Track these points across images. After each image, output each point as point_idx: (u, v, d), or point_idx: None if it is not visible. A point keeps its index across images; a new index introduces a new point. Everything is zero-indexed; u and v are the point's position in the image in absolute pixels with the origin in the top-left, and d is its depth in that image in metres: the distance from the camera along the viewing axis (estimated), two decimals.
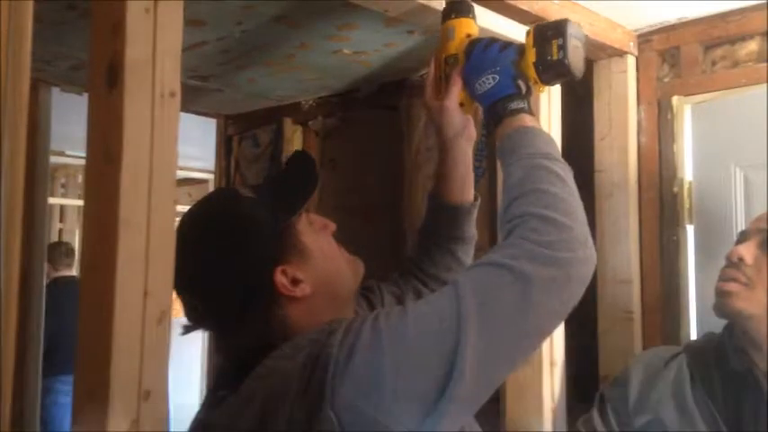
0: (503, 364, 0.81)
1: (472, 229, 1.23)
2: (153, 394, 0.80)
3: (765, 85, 1.61)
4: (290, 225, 0.96)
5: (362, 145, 2.38)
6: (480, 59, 1.06)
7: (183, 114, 0.87)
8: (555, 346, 1.50)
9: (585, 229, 0.86)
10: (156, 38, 0.84)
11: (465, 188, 1.20)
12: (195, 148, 2.92)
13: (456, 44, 1.12)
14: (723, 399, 1.24)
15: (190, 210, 0.99)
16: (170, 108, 0.84)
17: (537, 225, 0.84)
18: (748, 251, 1.24)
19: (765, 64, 1.61)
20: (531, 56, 1.02)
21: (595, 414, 1.37)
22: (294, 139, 2.53)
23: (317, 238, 0.98)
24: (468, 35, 1.12)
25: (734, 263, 1.25)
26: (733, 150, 1.65)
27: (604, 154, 1.80)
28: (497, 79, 1.03)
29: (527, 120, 0.99)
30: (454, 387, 0.75)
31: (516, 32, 1.46)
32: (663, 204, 1.75)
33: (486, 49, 1.06)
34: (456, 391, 0.75)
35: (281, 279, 0.92)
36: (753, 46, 1.64)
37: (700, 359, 1.31)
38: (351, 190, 2.39)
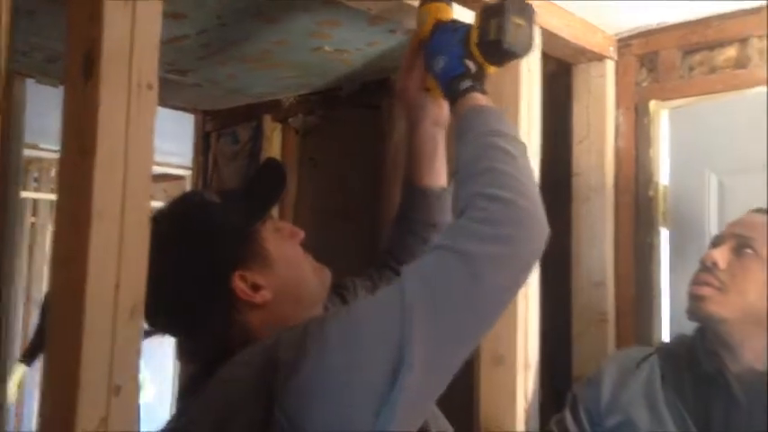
0: (455, 348, 0.81)
1: (445, 216, 1.21)
2: (123, 390, 0.79)
3: (741, 91, 1.63)
4: (254, 231, 0.95)
5: (343, 144, 2.37)
6: (436, 42, 1.08)
7: (159, 109, 0.86)
8: (529, 348, 1.50)
9: (534, 204, 0.86)
10: (134, 29, 0.83)
11: (434, 172, 1.20)
12: (172, 144, 2.89)
13: (426, 28, 1.13)
14: (693, 400, 1.25)
15: (154, 213, 0.98)
16: (147, 100, 0.84)
17: (484, 204, 0.83)
18: (722, 256, 1.25)
19: (742, 70, 1.63)
20: (475, 36, 1.03)
21: (568, 414, 1.38)
22: (274, 137, 2.52)
23: (282, 244, 0.97)
24: (437, 19, 1.13)
25: (707, 267, 1.26)
26: (708, 156, 1.67)
27: (582, 157, 1.82)
28: (446, 60, 1.04)
29: (479, 99, 1.00)
30: (404, 378, 0.75)
31: None
32: (638, 208, 1.76)
33: (444, 31, 1.08)
34: (407, 382, 0.75)
35: (239, 284, 0.91)
36: (730, 52, 1.66)
37: (671, 361, 1.32)
38: (331, 189, 2.38)
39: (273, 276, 0.94)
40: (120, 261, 0.80)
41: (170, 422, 0.92)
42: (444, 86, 1.05)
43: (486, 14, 1.02)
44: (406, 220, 1.22)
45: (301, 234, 1.01)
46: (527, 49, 1.04)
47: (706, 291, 1.25)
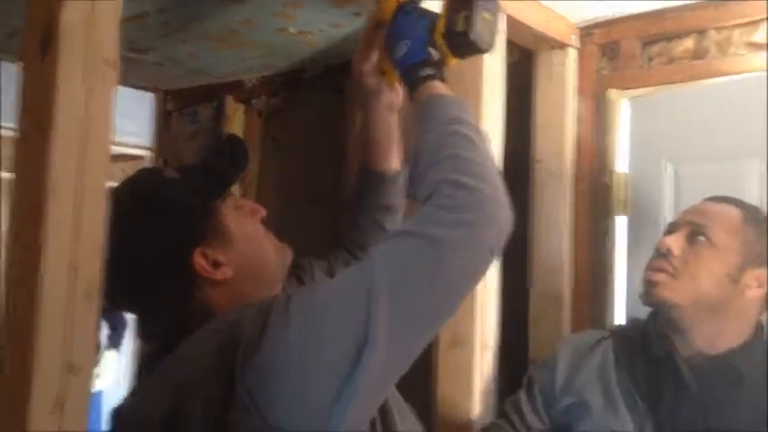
0: (419, 332, 0.82)
1: (398, 199, 1.23)
2: (79, 370, 0.79)
3: (698, 82, 1.66)
4: (213, 208, 0.95)
5: (307, 126, 2.36)
6: (399, 25, 1.07)
7: (119, 87, 0.85)
8: (487, 330, 1.52)
9: (497, 190, 0.87)
10: (94, 5, 0.82)
11: (387, 155, 1.21)
12: (131, 123, 2.84)
13: (384, 8, 1.12)
14: (645, 383, 1.28)
15: (112, 189, 0.97)
16: (106, 77, 0.83)
17: (448, 191, 0.85)
18: (676, 243, 1.28)
19: (699, 61, 1.67)
20: (441, 26, 1.03)
21: (522, 395, 1.40)
22: (236, 118, 2.49)
23: (243, 222, 0.98)
24: (399, 1, 1.11)
25: (662, 254, 1.29)
26: (665, 145, 1.71)
27: (543, 144, 1.84)
28: (409, 45, 1.04)
29: (439, 87, 1.00)
30: (367, 358, 0.76)
31: None
32: (596, 195, 1.79)
33: (406, 15, 1.07)
34: (370, 362, 0.76)
35: (199, 261, 0.91)
36: (688, 43, 1.69)
37: (624, 344, 1.35)
38: (294, 171, 2.37)
39: (234, 253, 0.94)
40: (77, 241, 0.79)
41: (126, 399, 0.92)
42: (404, 72, 1.05)
43: (456, 5, 1.02)
44: (360, 203, 1.23)
45: (262, 212, 1.01)
46: (491, 45, 1.04)
47: (659, 277, 1.28)
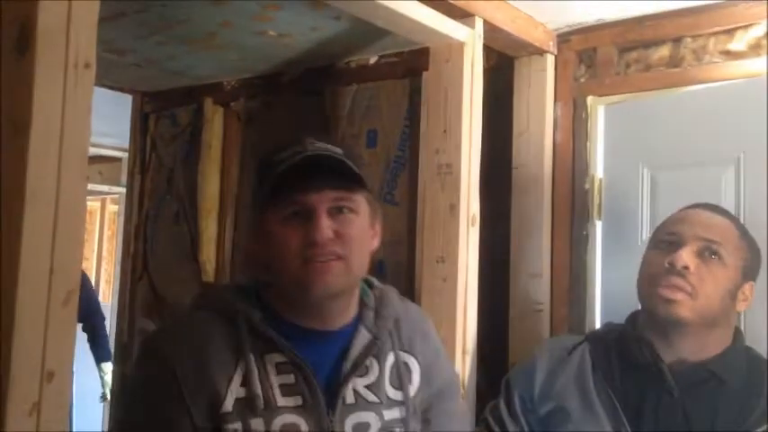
0: None
1: None
2: (56, 377, 0.78)
3: (675, 89, 1.68)
4: (264, 204, 1.02)
5: (286, 130, 2.35)
6: None
7: (95, 88, 0.84)
8: (468, 336, 1.53)
9: None
10: (71, 5, 0.81)
11: None
12: (107, 125, 2.81)
13: None
14: (623, 388, 1.28)
15: None
16: (84, 79, 0.82)
17: None
18: (691, 259, 1.25)
19: (676, 69, 1.69)
20: None
21: (501, 402, 1.40)
22: (215, 121, 2.47)
23: (278, 227, 1.00)
24: None
25: (678, 271, 1.25)
26: (641, 151, 1.72)
27: (522, 150, 1.85)
28: None
29: None
30: None
31: (439, 22, 1.49)
32: (574, 200, 1.81)
33: None
34: None
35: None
36: (664, 51, 1.71)
37: (601, 349, 1.35)
38: None
39: (260, 244, 1.04)
40: (55, 245, 0.77)
41: None
42: None
43: None
44: None
45: (315, 236, 0.99)
46: None
47: (679, 296, 1.23)
